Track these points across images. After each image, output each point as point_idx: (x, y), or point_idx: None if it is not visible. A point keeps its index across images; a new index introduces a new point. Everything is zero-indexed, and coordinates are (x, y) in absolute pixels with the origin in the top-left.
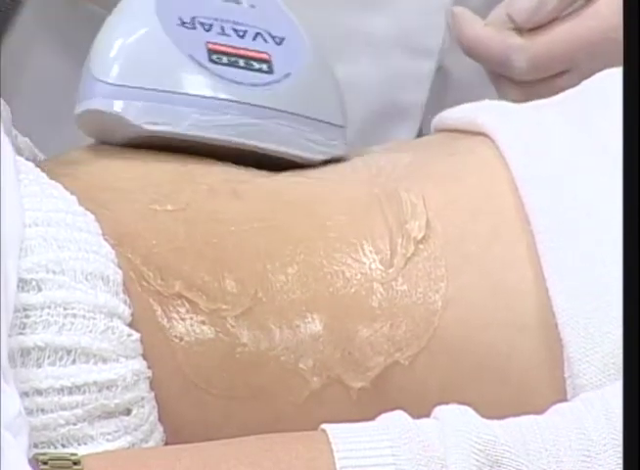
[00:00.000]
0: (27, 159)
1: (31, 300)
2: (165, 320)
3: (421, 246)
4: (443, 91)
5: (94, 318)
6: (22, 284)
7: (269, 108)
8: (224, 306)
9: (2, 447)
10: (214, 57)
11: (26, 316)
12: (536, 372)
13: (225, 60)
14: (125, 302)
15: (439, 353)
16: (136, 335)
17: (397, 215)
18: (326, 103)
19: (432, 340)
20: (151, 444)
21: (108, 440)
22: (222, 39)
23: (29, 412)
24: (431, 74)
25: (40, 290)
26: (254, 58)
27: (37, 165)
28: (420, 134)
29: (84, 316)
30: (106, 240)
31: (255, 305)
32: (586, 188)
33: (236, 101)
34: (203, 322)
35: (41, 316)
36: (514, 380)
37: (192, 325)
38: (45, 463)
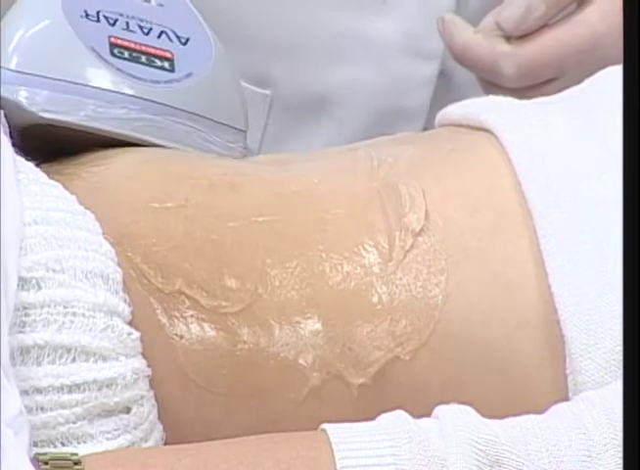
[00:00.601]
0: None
1: (31, 298)
2: (166, 318)
3: (420, 238)
4: (446, 94)
5: (94, 317)
6: (22, 282)
7: (167, 105)
8: (224, 303)
9: (3, 446)
10: (116, 51)
11: (26, 315)
12: (537, 368)
13: (127, 55)
14: (125, 300)
15: (440, 348)
16: (136, 333)
17: (396, 208)
18: (227, 106)
19: (432, 335)
20: (150, 442)
21: (107, 438)
22: (126, 34)
23: (29, 411)
24: (434, 78)
25: (40, 288)
26: (157, 55)
27: (37, 165)
28: None
29: (84, 315)
30: (105, 238)
31: (255, 302)
32: (589, 184)
33: (134, 96)
34: (203, 320)
35: (41, 315)
36: (515, 375)
37: (192, 323)
38: (46, 463)
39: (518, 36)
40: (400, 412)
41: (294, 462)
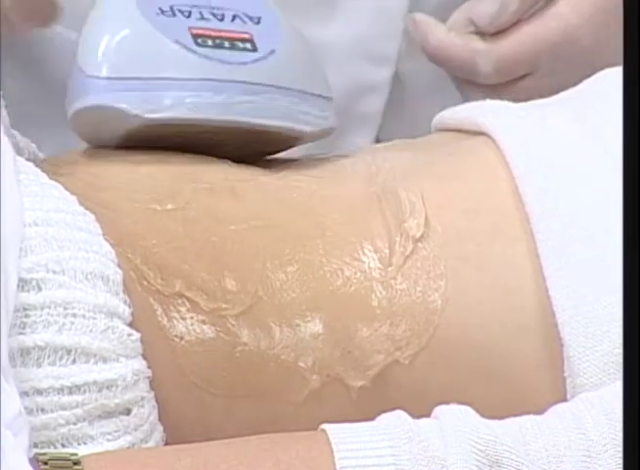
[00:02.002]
0: (28, 159)
1: (31, 299)
2: (166, 320)
3: (420, 244)
4: (401, 98)
5: (94, 318)
6: (23, 284)
7: (261, 84)
8: (224, 305)
9: (2, 447)
10: (199, 40)
11: (26, 316)
12: (536, 371)
13: (210, 42)
14: (125, 301)
15: (439, 352)
16: (136, 335)
17: (396, 214)
18: (312, 76)
19: (431, 339)
20: (151, 443)
21: (108, 439)
22: (203, 24)
23: (29, 412)
24: (388, 82)
25: (40, 289)
26: (238, 38)
27: (37, 166)
28: (377, 141)
29: (84, 316)
30: (106, 240)
31: (255, 304)
32: (587, 187)
33: (228, 80)
34: (203, 321)
35: (41, 316)
36: (513, 379)
37: (192, 324)
38: (45, 463)
39: (492, 33)
40: (400, 412)
41: (293, 462)
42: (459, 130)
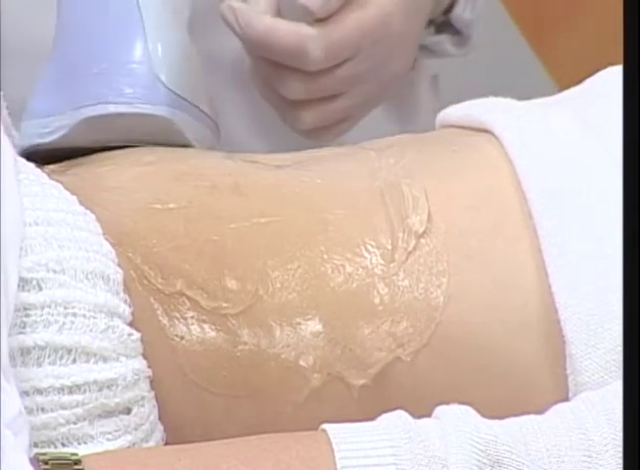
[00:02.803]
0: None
1: (32, 299)
2: (166, 319)
3: (422, 240)
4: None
5: (94, 317)
6: (23, 283)
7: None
8: (225, 305)
9: (3, 447)
10: None
11: (27, 315)
12: (538, 369)
13: None
14: (126, 301)
15: (441, 350)
16: (136, 334)
17: (399, 210)
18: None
19: (433, 336)
20: (151, 443)
21: (108, 439)
22: None
23: (30, 411)
24: None
25: (41, 289)
26: None
27: (38, 166)
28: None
29: (85, 315)
30: (106, 239)
31: (256, 303)
32: (589, 185)
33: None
34: (203, 321)
35: (42, 315)
36: (515, 376)
37: (192, 324)
38: (46, 463)
39: (321, 18)
40: (401, 412)
41: (294, 462)
42: (462, 127)
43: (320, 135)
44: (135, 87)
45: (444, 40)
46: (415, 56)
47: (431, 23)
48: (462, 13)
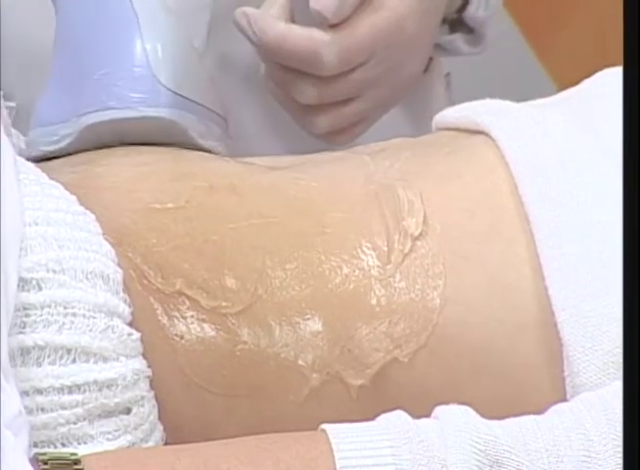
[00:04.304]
0: (28, 159)
1: (32, 299)
2: (166, 319)
3: (418, 242)
4: None
5: (94, 317)
6: (23, 283)
7: None
8: (224, 304)
9: (2, 447)
10: None
11: (27, 315)
12: (535, 371)
13: None
14: (125, 301)
15: (438, 351)
16: (136, 334)
17: (395, 212)
18: None
19: (431, 337)
20: (151, 443)
21: (108, 439)
22: None
23: (29, 411)
24: None
25: (40, 289)
26: None
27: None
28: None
29: (84, 315)
30: (106, 239)
31: (255, 302)
32: (586, 186)
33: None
34: (203, 320)
35: (41, 315)
36: (513, 378)
37: (192, 323)
38: (45, 463)
39: (333, 24)
40: (400, 412)
41: (293, 462)
42: (459, 129)
43: (335, 138)
44: (135, 91)
45: (458, 39)
46: (429, 56)
47: (444, 21)
48: (476, 11)
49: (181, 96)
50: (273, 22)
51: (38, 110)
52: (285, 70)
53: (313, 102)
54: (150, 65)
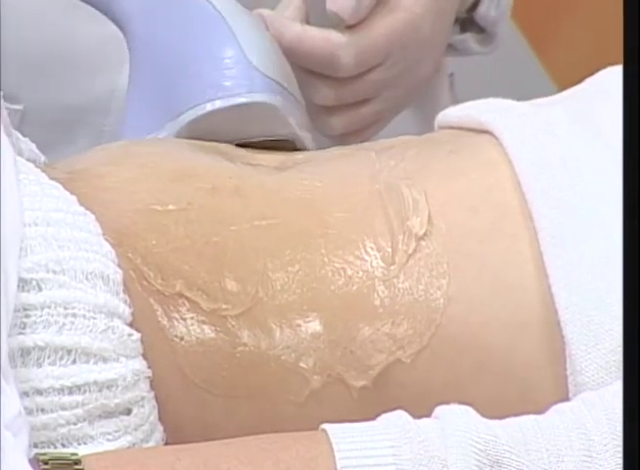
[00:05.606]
0: (28, 159)
1: (31, 299)
2: (166, 320)
3: (422, 242)
4: None
5: (94, 318)
6: (23, 284)
7: None
8: (225, 306)
9: (2, 447)
10: None
11: (27, 316)
12: (538, 369)
13: None
14: (125, 301)
15: (441, 351)
16: (136, 335)
17: (399, 212)
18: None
19: (433, 337)
20: (151, 443)
21: (108, 439)
22: None
23: (29, 412)
24: None
25: (40, 289)
26: None
27: (37, 166)
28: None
29: (84, 316)
30: (106, 239)
31: (256, 305)
32: (589, 185)
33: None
34: (203, 322)
35: (41, 316)
36: (516, 377)
37: (192, 325)
38: (46, 463)
39: (349, 25)
40: (401, 412)
41: (293, 462)
42: (462, 128)
43: (349, 139)
44: (233, 78)
45: (469, 38)
46: (442, 57)
47: (455, 21)
48: (487, 10)
49: (280, 85)
50: (289, 23)
51: (125, 126)
52: (301, 72)
53: (330, 103)
54: (246, 56)
